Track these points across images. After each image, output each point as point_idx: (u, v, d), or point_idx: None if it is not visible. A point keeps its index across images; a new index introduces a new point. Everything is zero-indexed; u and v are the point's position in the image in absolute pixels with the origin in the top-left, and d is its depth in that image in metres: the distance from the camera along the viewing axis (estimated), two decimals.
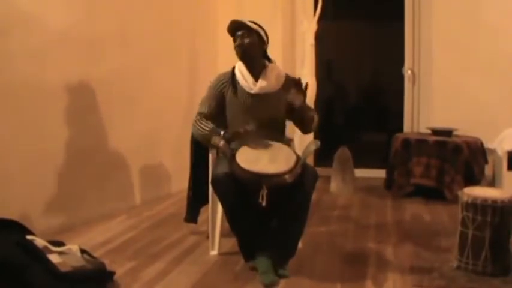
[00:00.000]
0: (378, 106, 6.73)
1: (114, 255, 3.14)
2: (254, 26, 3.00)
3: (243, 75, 3.04)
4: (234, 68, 3.10)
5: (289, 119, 3.11)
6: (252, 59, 3.03)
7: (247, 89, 3.02)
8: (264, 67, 3.06)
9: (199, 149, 3.34)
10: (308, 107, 2.99)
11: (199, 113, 3.06)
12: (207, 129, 2.94)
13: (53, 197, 3.61)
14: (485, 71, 4.95)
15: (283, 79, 3.08)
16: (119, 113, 4.17)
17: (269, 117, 3.02)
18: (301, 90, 2.89)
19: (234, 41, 3.01)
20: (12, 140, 3.31)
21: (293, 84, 2.98)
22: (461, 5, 5.03)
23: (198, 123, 3.01)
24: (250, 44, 2.98)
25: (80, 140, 3.82)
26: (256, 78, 3.02)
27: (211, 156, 3.21)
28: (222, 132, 2.90)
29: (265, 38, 3.06)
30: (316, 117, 3.03)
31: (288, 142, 3.16)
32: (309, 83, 4.55)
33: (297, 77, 3.09)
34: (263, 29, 3.05)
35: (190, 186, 3.53)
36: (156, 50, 4.59)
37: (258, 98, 3.01)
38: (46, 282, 2.40)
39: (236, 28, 2.99)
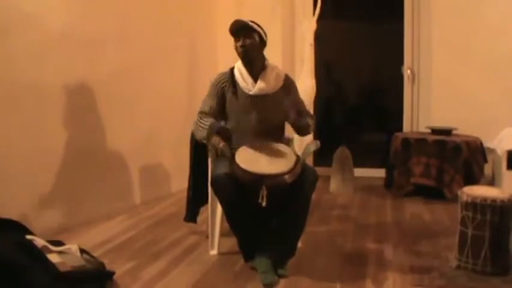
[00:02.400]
0: (378, 105, 6.72)
1: (113, 255, 3.14)
2: (256, 27, 3.00)
3: (242, 76, 3.03)
4: (232, 68, 3.10)
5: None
6: (252, 60, 3.02)
7: (246, 90, 3.02)
8: (264, 68, 3.06)
9: (199, 148, 3.34)
10: (304, 114, 2.94)
11: (201, 112, 3.05)
12: (207, 125, 2.91)
13: (52, 196, 3.61)
14: (484, 70, 4.95)
15: (282, 80, 3.08)
16: (118, 113, 4.17)
17: (268, 117, 3.02)
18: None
19: (236, 41, 2.99)
20: (12, 139, 3.31)
21: (291, 88, 3.00)
22: (460, 4, 5.03)
23: (199, 121, 3.00)
24: (252, 45, 2.97)
25: (80, 140, 3.82)
26: (255, 79, 3.02)
27: (210, 157, 3.21)
28: (222, 123, 2.89)
29: (265, 39, 3.06)
30: (312, 122, 3.02)
31: (288, 142, 3.16)
32: (308, 83, 4.58)
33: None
34: (263, 30, 3.05)
35: (190, 185, 3.53)
36: (156, 50, 4.59)
37: (257, 98, 3.01)
38: (45, 282, 2.40)
39: (239, 28, 2.98)
